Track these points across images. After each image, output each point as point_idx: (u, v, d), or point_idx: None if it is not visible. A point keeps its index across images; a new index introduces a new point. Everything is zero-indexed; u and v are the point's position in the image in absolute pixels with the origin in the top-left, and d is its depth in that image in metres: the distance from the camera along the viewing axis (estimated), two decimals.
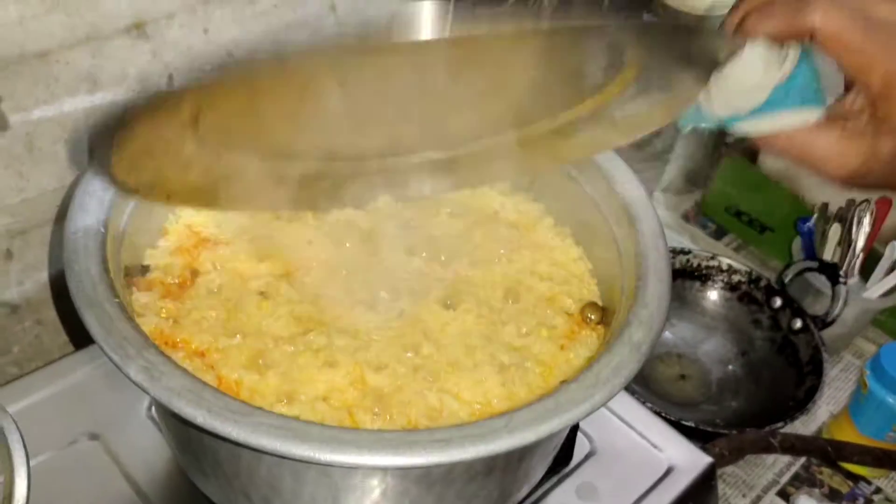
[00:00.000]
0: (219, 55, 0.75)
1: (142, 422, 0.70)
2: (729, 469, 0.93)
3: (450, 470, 0.50)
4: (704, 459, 0.73)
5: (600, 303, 0.65)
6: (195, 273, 0.63)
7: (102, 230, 0.54)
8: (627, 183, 0.65)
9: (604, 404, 0.49)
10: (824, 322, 0.98)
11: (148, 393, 0.46)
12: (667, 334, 1.02)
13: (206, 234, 0.66)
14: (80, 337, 0.80)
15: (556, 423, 0.47)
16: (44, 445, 0.67)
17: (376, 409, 0.55)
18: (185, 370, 0.47)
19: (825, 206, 1.09)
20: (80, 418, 0.69)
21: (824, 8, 0.40)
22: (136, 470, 0.66)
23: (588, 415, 0.48)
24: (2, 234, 0.70)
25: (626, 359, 0.51)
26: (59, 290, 0.76)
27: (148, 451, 0.67)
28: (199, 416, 0.44)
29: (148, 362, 0.47)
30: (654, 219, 0.62)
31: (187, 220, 0.67)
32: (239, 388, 0.55)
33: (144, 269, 0.62)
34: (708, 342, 1.02)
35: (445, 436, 0.45)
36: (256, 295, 0.61)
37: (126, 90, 0.71)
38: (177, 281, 0.62)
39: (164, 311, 0.59)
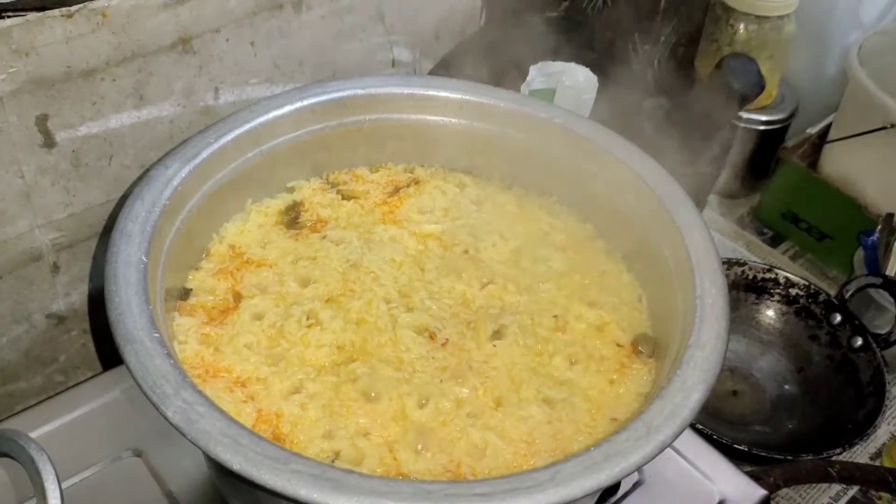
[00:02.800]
0: (266, 68, 0.74)
1: (184, 440, 0.69)
2: (783, 491, 0.90)
3: None
4: (758, 492, 0.70)
5: (652, 334, 0.63)
6: (238, 297, 0.62)
7: (144, 258, 0.53)
8: (683, 208, 0.63)
9: (656, 456, 0.46)
10: (887, 341, 0.93)
11: (185, 436, 0.45)
12: None
13: (250, 255, 0.65)
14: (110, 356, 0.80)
15: (605, 477, 0.45)
16: (88, 460, 0.68)
17: (418, 447, 0.53)
18: (222, 412, 0.46)
19: (890, 216, 1.04)
20: (124, 434, 0.69)
21: None
22: (177, 488, 0.66)
23: (640, 467, 0.46)
24: (49, 249, 0.70)
25: (679, 406, 0.49)
26: (97, 308, 0.76)
27: (189, 470, 0.67)
28: (236, 463, 0.43)
29: (185, 402, 0.46)
30: (712, 249, 0.59)
31: (231, 240, 0.66)
32: (279, 420, 0.54)
33: (187, 293, 0.61)
34: (763, 358, 0.99)
35: (488, 489, 0.44)
36: (299, 321, 0.60)
37: (172, 105, 0.70)
38: (219, 305, 0.61)
39: (205, 337, 0.58)
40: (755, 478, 0.73)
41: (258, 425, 0.54)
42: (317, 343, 0.59)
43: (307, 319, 0.60)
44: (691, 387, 0.50)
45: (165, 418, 0.45)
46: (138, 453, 0.68)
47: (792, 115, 1.15)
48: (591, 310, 0.64)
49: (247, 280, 0.63)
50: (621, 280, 0.67)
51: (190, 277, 0.63)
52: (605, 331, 0.63)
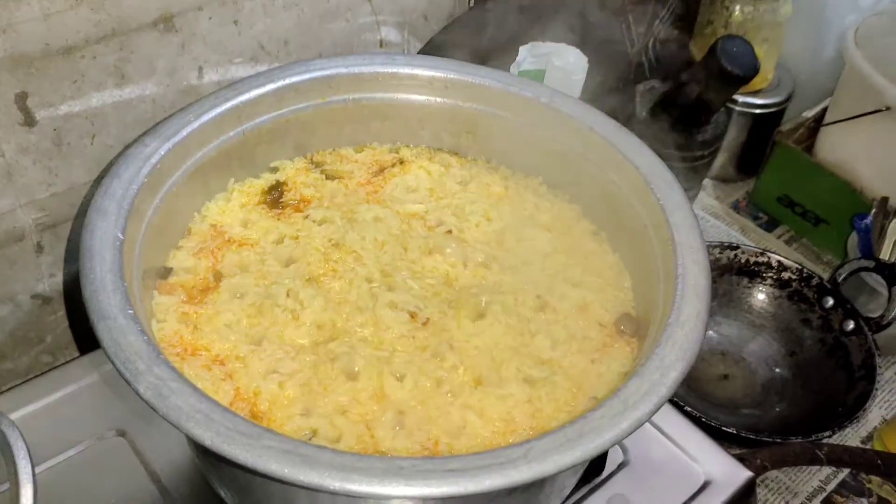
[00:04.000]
0: (250, 48, 0.74)
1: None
2: (772, 474, 0.89)
3: (466, 497, 0.49)
4: (744, 474, 0.70)
5: (635, 314, 0.62)
6: (218, 276, 0.62)
7: (121, 235, 0.53)
8: (667, 187, 0.62)
9: (631, 433, 0.46)
10: (879, 325, 0.93)
11: (157, 412, 0.45)
12: (710, 332, 0.98)
13: (232, 234, 0.65)
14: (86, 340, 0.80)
15: (579, 454, 0.44)
16: (72, 440, 0.68)
17: (396, 426, 0.53)
18: (195, 387, 0.46)
19: (884, 200, 1.03)
20: (108, 414, 0.69)
21: None
22: (159, 467, 0.66)
23: (614, 444, 0.46)
24: (32, 229, 0.70)
25: (656, 384, 0.48)
26: (74, 289, 0.76)
27: (172, 449, 0.67)
28: (208, 439, 0.43)
29: (158, 378, 0.46)
30: (696, 229, 0.58)
31: (213, 219, 0.65)
32: (257, 398, 0.54)
33: (167, 272, 0.61)
34: (754, 341, 0.98)
35: (461, 465, 0.43)
36: (280, 301, 0.60)
37: (155, 84, 0.69)
38: (199, 284, 0.61)
39: (184, 316, 0.58)
40: (741, 459, 0.73)
41: (236, 403, 0.54)
42: (297, 322, 0.59)
43: (287, 299, 0.60)
44: (669, 365, 0.49)
45: (137, 394, 0.45)
46: (122, 433, 0.68)
47: (788, 99, 1.14)
48: (574, 290, 0.63)
49: (227, 259, 0.63)
50: (606, 260, 0.66)
51: (170, 256, 0.62)
52: (589, 311, 0.62)
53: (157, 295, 0.59)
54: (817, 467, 0.89)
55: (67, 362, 0.75)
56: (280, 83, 0.67)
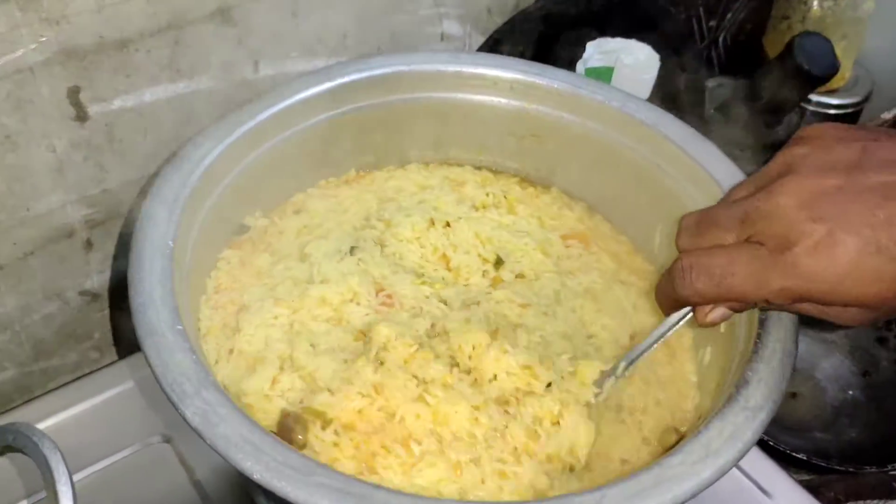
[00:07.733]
0: (308, 41, 0.70)
1: None
2: None
3: None
4: None
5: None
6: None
7: (170, 243, 0.50)
8: None
9: (713, 482, 0.42)
10: None
11: (203, 440, 0.42)
12: None
13: None
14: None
15: None
16: (119, 444, 0.67)
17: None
18: (245, 415, 0.43)
19: None
20: (154, 418, 0.68)
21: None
22: (203, 476, 0.65)
23: (695, 495, 0.42)
24: (82, 225, 0.68)
25: (741, 427, 0.44)
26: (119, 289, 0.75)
27: (217, 458, 0.63)
28: (257, 473, 0.41)
29: (206, 403, 0.43)
30: None
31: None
32: None
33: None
34: (825, 360, 0.93)
35: None
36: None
37: (210, 79, 0.67)
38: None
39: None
40: (814, 490, 0.68)
41: None
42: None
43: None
44: (755, 406, 0.45)
45: (184, 419, 0.43)
46: (167, 439, 0.67)
47: (865, 99, 1.08)
48: None
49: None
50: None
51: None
52: None
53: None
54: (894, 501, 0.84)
55: (112, 363, 0.74)
56: (338, 81, 0.63)
